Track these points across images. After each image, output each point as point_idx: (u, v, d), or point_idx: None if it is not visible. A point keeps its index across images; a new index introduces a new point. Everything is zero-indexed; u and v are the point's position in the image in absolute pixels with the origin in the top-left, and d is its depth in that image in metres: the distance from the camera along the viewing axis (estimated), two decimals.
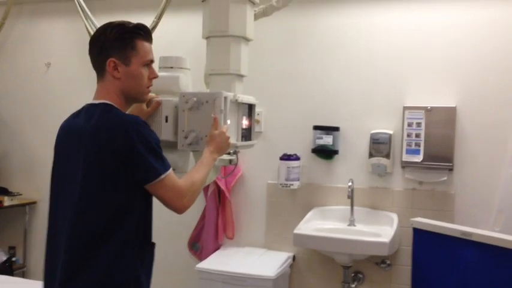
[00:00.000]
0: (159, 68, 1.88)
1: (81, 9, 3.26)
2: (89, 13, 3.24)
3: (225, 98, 1.70)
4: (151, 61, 1.61)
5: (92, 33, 3.18)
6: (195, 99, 1.70)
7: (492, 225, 2.54)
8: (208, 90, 1.91)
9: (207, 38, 1.98)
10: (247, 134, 1.91)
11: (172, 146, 1.75)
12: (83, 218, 1.47)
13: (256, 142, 2.02)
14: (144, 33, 1.59)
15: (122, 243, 1.48)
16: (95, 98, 1.58)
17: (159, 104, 1.78)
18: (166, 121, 1.75)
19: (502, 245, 2.12)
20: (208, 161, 1.67)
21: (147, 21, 2.91)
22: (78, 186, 1.47)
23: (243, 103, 1.85)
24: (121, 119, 1.48)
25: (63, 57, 3.45)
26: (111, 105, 1.53)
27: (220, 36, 1.93)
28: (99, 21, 3.20)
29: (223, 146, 1.72)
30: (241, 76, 1.99)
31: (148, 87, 1.62)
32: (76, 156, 1.49)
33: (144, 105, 1.77)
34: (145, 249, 1.58)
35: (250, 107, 1.94)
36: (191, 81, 1.92)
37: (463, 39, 2.64)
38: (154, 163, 1.47)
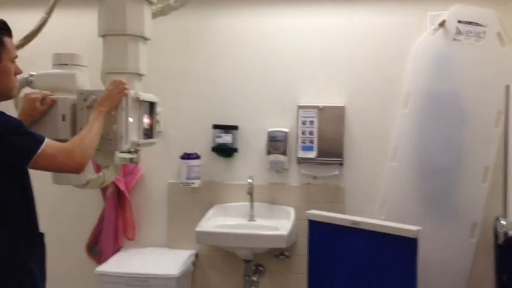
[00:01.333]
0: (53, 65, 1.82)
1: None
2: None
3: (127, 95, 1.70)
4: (16, 57, 1.61)
5: None
6: (94, 96, 1.68)
7: (377, 214, 2.77)
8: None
9: (103, 36, 1.96)
10: (149, 132, 1.91)
11: None
12: None
13: (158, 140, 2.03)
14: (8, 29, 1.58)
15: (9, 238, 1.48)
16: None
17: (54, 102, 1.73)
18: (64, 120, 1.71)
19: (386, 231, 2.33)
20: (94, 115, 1.66)
21: (35, 16, 2.79)
22: None
23: (144, 101, 1.86)
24: None
25: None
26: None
27: (117, 35, 1.92)
28: None
29: (114, 94, 1.71)
30: (140, 75, 1.99)
31: (15, 82, 1.61)
32: None
33: (37, 103, 1.72)
34: (34, 240, 1.58)
35: (152, 106, 1.95)
36: (88, 79, 1.88)
37: (349, 44, 2.84)
38: (25, 143, 1.46)
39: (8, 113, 1.51)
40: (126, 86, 1.74)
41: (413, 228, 2.26)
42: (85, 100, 1.69)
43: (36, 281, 1.56)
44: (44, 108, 1.74)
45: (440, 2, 2.72)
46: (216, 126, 2.92)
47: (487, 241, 2.60)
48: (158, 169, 3.00)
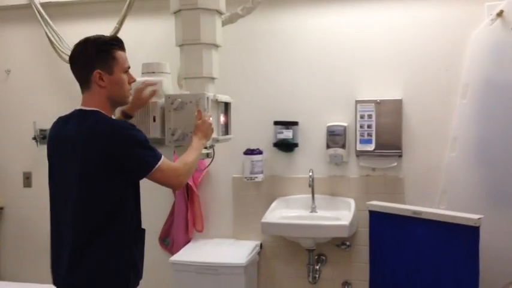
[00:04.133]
0: (142, 73, 2.02)
1: (40, 15, 3.28)
2: (48, 19, 3.27)
3: (208, 98, 1.88)
4: (129, 67, 1.78)
5: (52, 39, 3.26)
6: (179, 100, 1.86)
7: (438, 204, 2.81)
8: (187, 92, 2.07)
9: (181, 45, 2.13)
10: (225, 129, 2.09)
11: (160, 142, 1.91)
12: (84, 212, 1.62)
13: (233, 136, 2.20)
14: (119, 44, 1.78)
15: (120, 232, 1.65)
16: (83, 105, 1.72)
17: (154, 92, 1.94)
18: (154, 121, 1.90)
19: (447, 220, 2.38)
20: (197, 146, 1.86)
21: (108, 27, 3.02)
22: (76, 187, 1.62)
23: (221, 101, 2.03)
24: (113, 125, 1.66)
25: (23, 63, 3.42)
26: (103, 113, 1.69)
27: (193, 44, 2.09)
28: (59, 28, 3.24)
29: (208, 131, 1.92)
30: (213, 79, 2.16)
31: (129, 90, 1.79)
32: (72, 159, 1.64)
33: (142, 93, 1.95)
34: (139, 234, 1.76)
35: (226, 105, 2.12)
36: (171, 84, 2.07)
37: (407, 38, 2.90)
38: (147, 156, 1.66)
39: None
40: (210, 121, 1.93)
41: (475, 216, 2.28)
42: (172, 103, 1.87)
43: (138, 272, 1.74)
44: (147, 96, 1.96)
45: None
46: (277, 123, 3.05)
47: None
48: (223, 165, 3.14)
